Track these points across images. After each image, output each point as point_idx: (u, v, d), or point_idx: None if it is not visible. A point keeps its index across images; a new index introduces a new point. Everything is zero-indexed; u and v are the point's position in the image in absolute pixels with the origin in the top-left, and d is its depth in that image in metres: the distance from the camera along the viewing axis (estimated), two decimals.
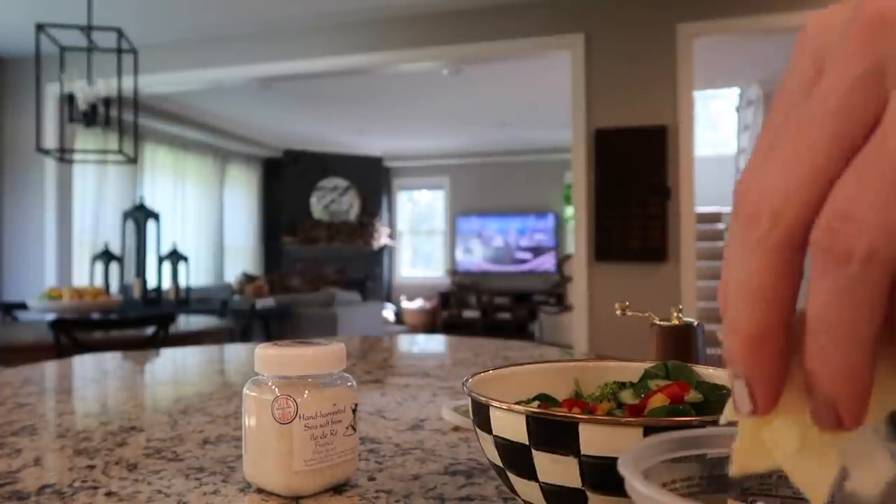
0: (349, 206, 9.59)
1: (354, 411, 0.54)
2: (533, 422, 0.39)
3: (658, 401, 0.44)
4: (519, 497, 0.43)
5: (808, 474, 0.22)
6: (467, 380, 0.47)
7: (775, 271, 0.21)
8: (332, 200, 9.52)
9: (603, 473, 0.37)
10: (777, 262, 0.21)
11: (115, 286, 4.91)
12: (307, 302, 6.11)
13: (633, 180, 3.97)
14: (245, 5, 4.35)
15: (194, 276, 7.05)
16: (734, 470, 0.23)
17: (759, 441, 0.23)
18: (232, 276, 8.03)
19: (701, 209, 7.50)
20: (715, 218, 7.74)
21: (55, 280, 5.07)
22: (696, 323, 0.70)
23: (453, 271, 9.99)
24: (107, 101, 3.65)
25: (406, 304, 9.86)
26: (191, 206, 7.82)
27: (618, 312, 0.74)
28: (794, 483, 0.22)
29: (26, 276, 5.20)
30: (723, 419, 0.24)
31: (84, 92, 3.57)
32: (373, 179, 9.79)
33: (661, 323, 0.70)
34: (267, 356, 0.52)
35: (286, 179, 9.25)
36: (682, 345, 0.69)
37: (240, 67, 4.82)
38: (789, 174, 0.20)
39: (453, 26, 4.38)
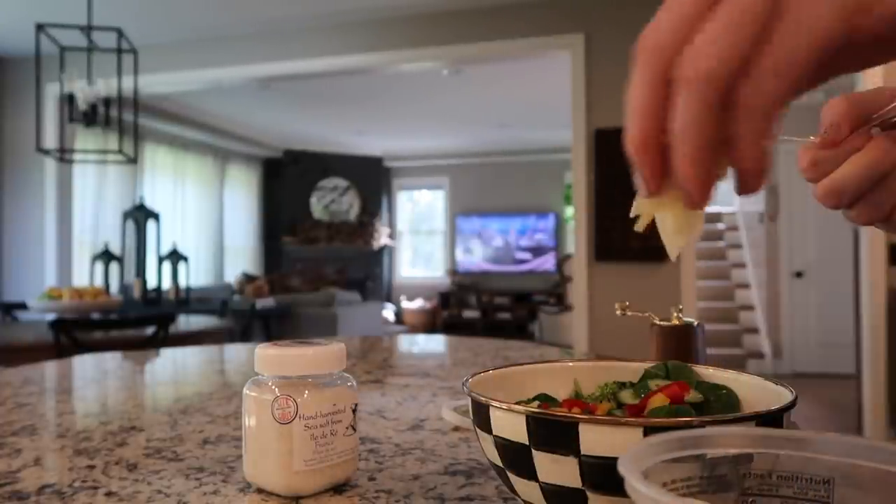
0: (349, 206, 9.59)
1: (354, 411, 0.54)
2: (533, 422, 0.39)
3: (658, 401, 0.44)
4: (519, 497, 0.43)
5: (673, 238, 0.36)
6: (467, 380, 0.47)
7: (652, 94, 0.30)
8: (332, 200, 9.52)
9: (603, 473, 0.37)
10: (653, 87, 0.30)
11: (115, 286, 4.91)
12: (307, 302, 6.11)
13: (633, 180, 3.96)
14: (245, 5, 4.35)
15: (194, 276, 7.05)
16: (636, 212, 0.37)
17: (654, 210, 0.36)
18: (232, 276, 8.03)
19: None
20: (715, 218, 7.74)
21: (55, 280, 5.07)
22: (696, 323, 0.70)
23: (453, 271, 9.99)
24: (107, 101, 3.65)
25: (406, 304, 9.86)
26: (191, 206, 7.82)
27: (618, 312, 0.74)
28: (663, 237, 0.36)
29: (26, 276, 5.20)
30: (634, 208, 0.36)
31: (84, 92, 3.57)
32: (373, 179, 9.79)
33: (661, 323, 0.70)
34: (267, 356, 0.52)
35: (286, 179, 9.25)
36: (682, 345, 0.69)
37: (240, 67, 4.81)
38: (668, 20, 0.29)
39: (453, 26, 4.38)
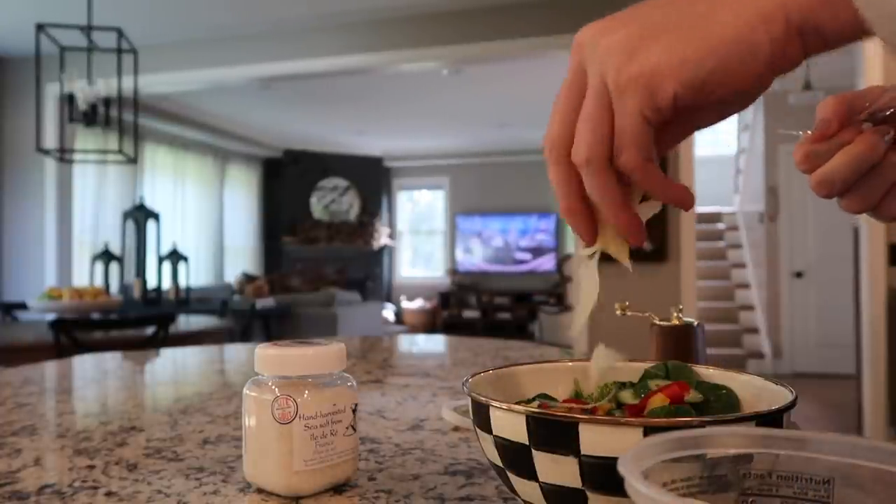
0: (349, 206, 9.58)
1: (354, 411, 0.54)
2: (533, 422, 0.39)
3: (658, 401, 0.44)
4: (519, 497, 0.43)
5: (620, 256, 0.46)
6: (467, 380, 0.47)
7: (563, 174, 0.41)
8: (332, 200, 9.51)
9: (603, 473, 0.37)
10: (562, 168, 0.40)
11: (115, 286, 4.90)
12: (307, 302, 6.11)
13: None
14: (246, 5, 4.35)
15: (194, 276, 7.04)
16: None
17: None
18: (232, 276, 8.03)
19: (701, 209, 7.50)
20: (715, 218, 7.74)
21: (55, 280, 5.07)
22: (696, 323, 0.70)
23: (453, 271, 9.99)
24: (107, 101, 3.65)
25: (406, 304, 9.86)
26: (191, 206, 7.82)
27: (618, 312, 0.74)
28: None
29: (26, 276, 5.20)
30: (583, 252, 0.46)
31: (84, 92, 3.56)
32: (373, 179, 9.78)
33: (661, 323, 0.70)
34: (267, 356, 0.52)
35: (286, 179, 9.25)
36: (682, 345, 0.69)
37: (240, 67, 4.81)
38: (556, 122, 0.41)
39: (453, 26, 4.38)
